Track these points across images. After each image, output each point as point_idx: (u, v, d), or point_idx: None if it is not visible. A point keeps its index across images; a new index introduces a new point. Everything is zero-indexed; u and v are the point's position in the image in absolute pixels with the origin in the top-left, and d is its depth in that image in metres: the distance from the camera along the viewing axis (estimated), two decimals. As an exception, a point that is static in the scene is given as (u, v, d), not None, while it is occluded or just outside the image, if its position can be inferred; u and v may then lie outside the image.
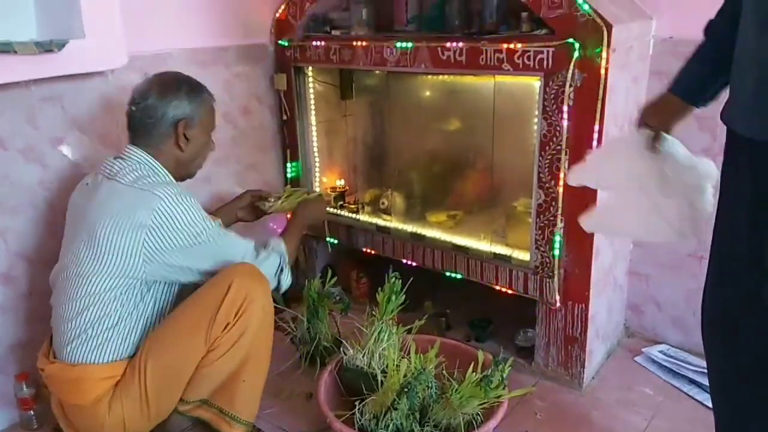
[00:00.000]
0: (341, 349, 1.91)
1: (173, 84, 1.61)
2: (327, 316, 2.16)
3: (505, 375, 1.67)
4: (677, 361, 2.12)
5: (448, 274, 2.22)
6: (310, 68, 2.47)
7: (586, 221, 1.65)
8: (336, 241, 2.50)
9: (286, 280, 1.76)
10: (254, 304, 1.56)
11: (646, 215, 1.50)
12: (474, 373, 1.65)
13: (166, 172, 1.61)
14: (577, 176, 1.62)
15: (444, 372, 1.74)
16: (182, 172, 1.68)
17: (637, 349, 2.25)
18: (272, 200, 2.02)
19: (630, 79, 1.91)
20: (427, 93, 2.36)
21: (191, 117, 1.60)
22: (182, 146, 1.61)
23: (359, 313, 2.11)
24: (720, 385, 1.43)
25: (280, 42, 2.44)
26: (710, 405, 1.50)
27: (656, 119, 1.45)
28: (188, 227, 1.52)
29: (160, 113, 1.57)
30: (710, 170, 1.44)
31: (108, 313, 1.52)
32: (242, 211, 2.04)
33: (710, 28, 1.39)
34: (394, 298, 1.90)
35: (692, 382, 2.03)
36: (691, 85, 1.42)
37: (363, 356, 1.83)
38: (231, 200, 2.06)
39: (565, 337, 2.01)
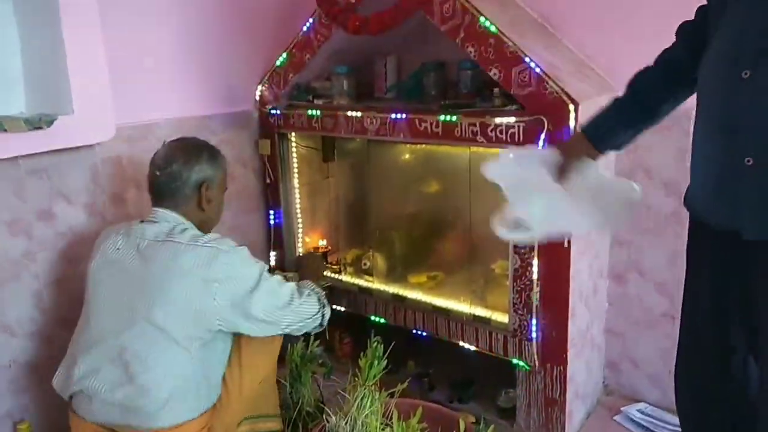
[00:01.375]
0: (324, 416, 1.92)
1: (195, 149, 1.73)
2: (310, 380, 2.18)
3: (486, 441, 1.69)
4: (654, 420, 2.16)
5: (436, 339, 2.26)
6: (293, 134, 2.55)
7: (490, 169, 1.56)
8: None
9: (328, 315, 1.88)
10: None
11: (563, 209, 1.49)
12: (455, 441, 1.68)
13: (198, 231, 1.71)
14: (492, 172, 1.56)
15: (426, 439, 1.76)
16: (203, 229, 1.75)
17: (616, 408, 2.28)
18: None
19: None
20: (406, 157, 2.45)
21: (211, 179, 1.73)
22: (204, 207, 1.72)
23: (342, 374, 2.14)
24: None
25: (264, 109, 2.52)
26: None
27: (566, 153, 1.50)
28: (248, 270, 1.66)
29: (185, 177, 1.68)
30: (630, 193, 1.45)
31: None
32: None
33: (638, 80, 1.44)
34: (376, 363, 1.93)
35: (668, 441, 2.07)
36: (601, 131, 1.47)
37: (346, 424, 1.84)
38: None
39: (545, 399, 2.04)
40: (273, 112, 2.50)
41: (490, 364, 2.23)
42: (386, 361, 1.94)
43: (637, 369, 2.32)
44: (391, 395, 1.97)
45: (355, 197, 2.67)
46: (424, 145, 2.27)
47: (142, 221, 1.69)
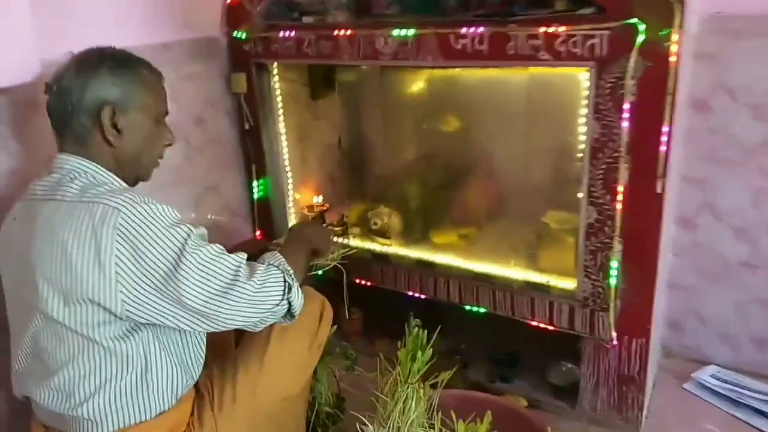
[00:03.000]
0: (358, 426, 1.50)
1: (94, 59, 1.17)
2: (326, 374, 1.75)
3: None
4: (735, 388, 1.84)
5: (467, 308, 1.85)
6: (275, 65, 2.01)
7: None
8: (321, 272, 2.07)
9: (297, 299, 1.23)
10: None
11: None
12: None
13: (108, 172, 1.17)
14: None
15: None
16: (126, 174, 1.21)
17: (682, 374, 1.95)
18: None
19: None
20: (425, 87, 1.94)
21: (119, 100, 1.16)
22: (111, 139, 1.16)
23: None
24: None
25: (234, 34, 1.96)
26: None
27: None
28: (164, 234, 1.07)
29: (77, 98, 1.13)
30: None
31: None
32: None
33: None
34: (420, 354, 1.51)
35: (758, 412, 1.76)
36: None
37: (389, 434, 1.43)
38: (231, 246, 1.56)
39: (618, 377, 1.68)
40: (247, 36, 1.94)
41: (531, 331, 1.84)
42: (431, 348, 1.53)
43: (705, 327, 1.99)
44: (433, 387, 1.56)
45: (355, 140, 2.17)
46: (454, 70, 1.77)
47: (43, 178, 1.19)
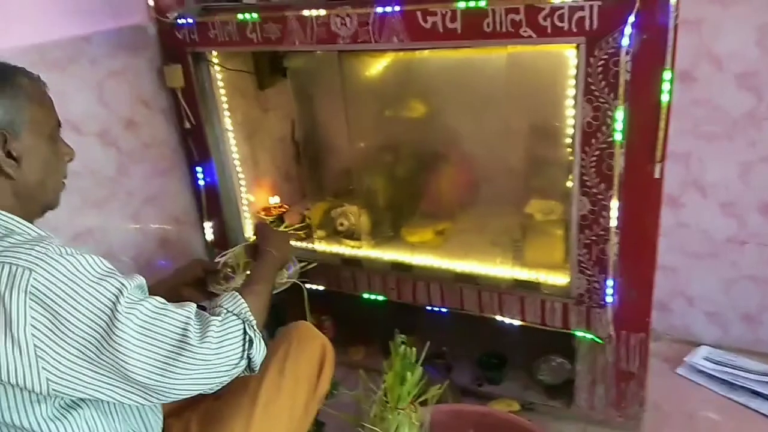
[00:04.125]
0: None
1: None
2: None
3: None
4: (730, 370, 1.77)
5: (449, 311, 1.70)
6: (215, 53, 1.77)
7: None
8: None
9: (259, 354, 1.02)
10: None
11: None
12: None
13: (12, 216, 0.91)
14: None
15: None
16: (32, 207, 0.96)
17: (673, 357, 1.88)
18: (228, 270, 1.36)
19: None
20: (390, 69, 1.74)
21: (8, 123, 0.90)
22: (10, 172, 0.91)
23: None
24: None
25: (165, 19, 1.70)
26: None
27: None
28: (93, 289, 0.84)
29: None
30: None
31: None
32: (189, 289, 1.30)
33: None
34: (409, 376, 1.35)
35: (755, 393, 1.70)
36: None
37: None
38: (170, 274, 1.33)
39: (617, 374, 1.58)
40: (180, 22, 1.69)
41: (516, 326, 1.70)
42: (421, 367, 1.37)
43: (692, 306, 1.91)
44: (423, 404, 1.42)
45: (311, 132, 1.95)
46: (420, 52, 1.58)
47: None
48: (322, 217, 1.93)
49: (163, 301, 0.91)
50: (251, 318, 1.00)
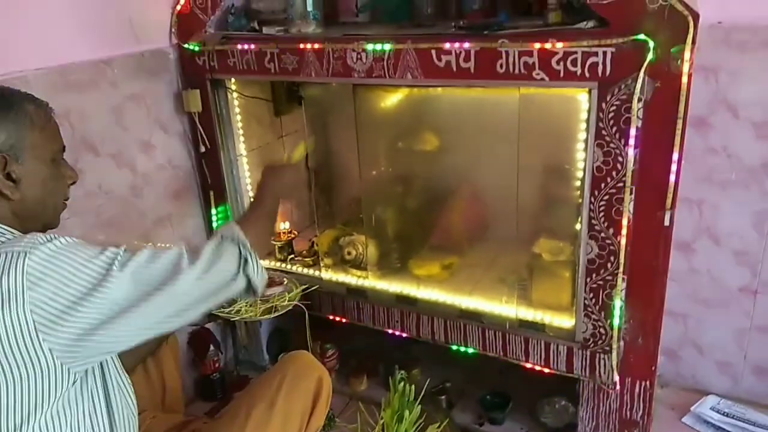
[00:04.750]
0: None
1: None
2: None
3: None
4: (738, 422, 1.73)
5: (454, 348, 1.68)
6: (233, 79, 1.80)
7: None
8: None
9: (258, 274, 1.06)
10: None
11: None
12: None
13: (8, 228, 0.96)
14: None
15: None
16: (30, 225, 1.00)
17: (680, 405, 1.84)
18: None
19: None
20: (404, 102, 1.74)
21: (10, 146, 0.96)
22: (8, 193, 0.96)
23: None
24: None
25: (186, 46, 1.74)
26: None
27: None
28: (83, 268, 0.89)
29: None
30: None
31: None
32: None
33: None
34: (407, 414, 1.33)
35: (764, 448, 1.65)
36: None
37: None
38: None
39: (620, 421, 1.55)
40: (200, 49, 1.73)
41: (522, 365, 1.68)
42: (419, 406, 1.36)
43: (702, 355, 1.87)
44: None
45: (324, 160, 1.96)
46: (434, 88, 1.59)
47: None
48: (330, 244, 1.94)
49: (153, 249, 0.97)
50: (244, 239, 1.05)
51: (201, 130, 1.81)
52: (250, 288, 1.06)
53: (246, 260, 1.04)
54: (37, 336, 0.84)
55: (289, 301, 1.70)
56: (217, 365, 1.94)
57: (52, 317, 0.85)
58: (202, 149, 1.83)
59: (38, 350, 0.84)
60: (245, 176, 1.91)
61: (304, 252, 1.97)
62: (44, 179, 1.00)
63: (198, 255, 0.99)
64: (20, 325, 0.83)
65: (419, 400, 1.35)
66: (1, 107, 0.95)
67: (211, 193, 1.89)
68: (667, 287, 1.78)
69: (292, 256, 1.96)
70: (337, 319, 1.85)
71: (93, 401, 0.96)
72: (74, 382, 0.91)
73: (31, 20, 1.42)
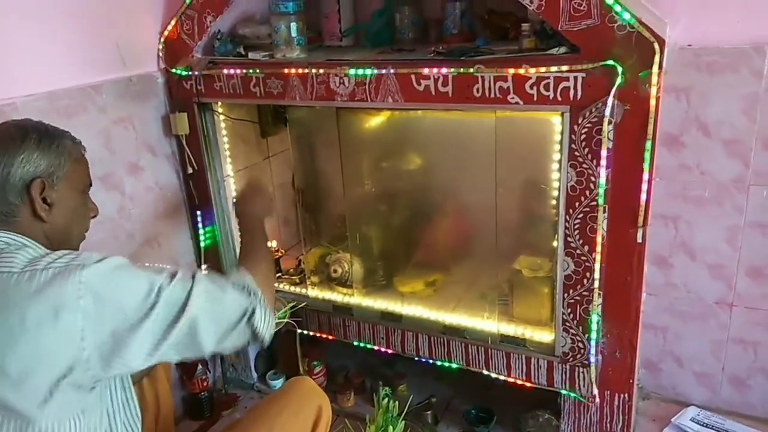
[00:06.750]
0: None
1: (18, 133, 1.07)
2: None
3: None
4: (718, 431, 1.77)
5: (438, 364, 1.71)
6: (219, 102, 1.84)
7: None
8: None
9: (265, 323, 1.10)
10: None
11: None
12: None
13: (29, 239, 1.04)
14: None
15: None
16: (57, 249, 1.06)
17: (661, 416, 1.87)
18: None
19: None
20: (386, 124, 1.80)
21: (48, 173, 1.07)
22: (43, 215, 1.06)
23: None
24: None
25: (174, 70, 1.78)
26: None
27: None
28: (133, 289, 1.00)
29: (5, 175, 1.04)
30: None
31: None
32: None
33: None
34: (391, 429, 1.36)
35: (743, 458, 1.69)
36: None
37: None
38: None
39: (601, 434, 1.58)
40: (187, 74, 1.77)
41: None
42: (404, 421, 1.39)
43: (682, 367, 1.91)
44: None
45: (310, 180, 2.01)
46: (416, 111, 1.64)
47: None
48: (317, 262, 1.97)
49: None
50: (253, 286, 1.12)
51: (188, 152, 1.85)
52: (255, 335, 1.10)
53: (253, 311, 1.09)
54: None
55: (279, 319, 1.73)
56: (205, 384, 1.96)
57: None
58: (190, 170, 1.87)
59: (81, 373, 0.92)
60: (232, 196, 1.95)
61: (291, 270, 2.00)
62: (74, 208, 1.12)
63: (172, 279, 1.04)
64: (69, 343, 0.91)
65: (404, 415, 1.38)
66: (45, 140, 1.07)
67: (199, 213, 1.92)
68: (646, 301, 1.85)
69: (280, 274, 1.99)
70: (324, 336, 1.88)
71: (100, 415, 1.01)
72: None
73: (19, 47, 1.46)
